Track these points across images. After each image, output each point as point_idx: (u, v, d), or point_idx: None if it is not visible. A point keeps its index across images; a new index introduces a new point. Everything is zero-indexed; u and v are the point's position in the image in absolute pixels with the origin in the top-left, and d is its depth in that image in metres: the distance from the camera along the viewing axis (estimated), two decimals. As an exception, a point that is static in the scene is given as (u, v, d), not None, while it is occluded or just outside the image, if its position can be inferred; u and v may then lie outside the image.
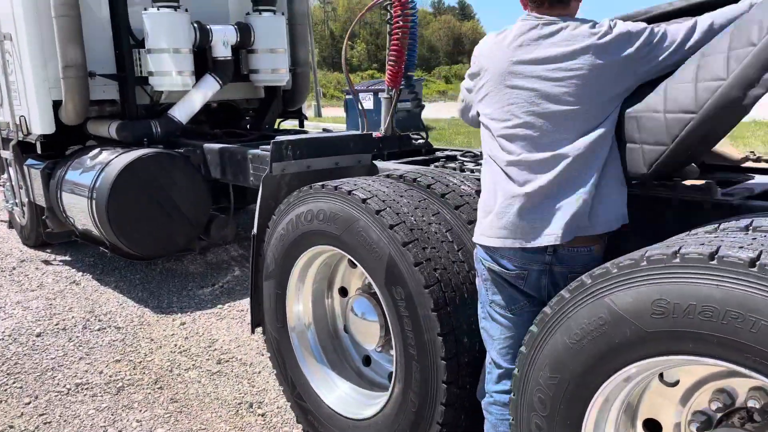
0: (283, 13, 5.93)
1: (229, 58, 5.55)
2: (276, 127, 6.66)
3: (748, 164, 2.94)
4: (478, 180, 2.84)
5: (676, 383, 1.87)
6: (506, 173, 1.98)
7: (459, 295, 2.32)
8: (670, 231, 2.41)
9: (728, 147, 2.85)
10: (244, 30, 5.60)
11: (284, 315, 2.97)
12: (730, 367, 1.56)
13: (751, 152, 2.84)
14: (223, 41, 5.47)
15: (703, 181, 2.30)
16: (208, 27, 5.35)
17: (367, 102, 18.78)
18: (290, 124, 7.23)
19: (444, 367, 2.24)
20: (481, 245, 2.08)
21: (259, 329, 3.24)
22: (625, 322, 1.67)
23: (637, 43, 1.90)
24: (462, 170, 3.09)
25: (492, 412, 2.18)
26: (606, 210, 1.94)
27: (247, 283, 5.23)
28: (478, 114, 2.15)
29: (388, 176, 2.86)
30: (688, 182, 2.36)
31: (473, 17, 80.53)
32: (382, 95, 4.20)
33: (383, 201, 2.46)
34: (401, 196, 2.54)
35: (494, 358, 2.15)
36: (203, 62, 5.51)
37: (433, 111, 21.95)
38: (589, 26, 1.93)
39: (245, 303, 4.78)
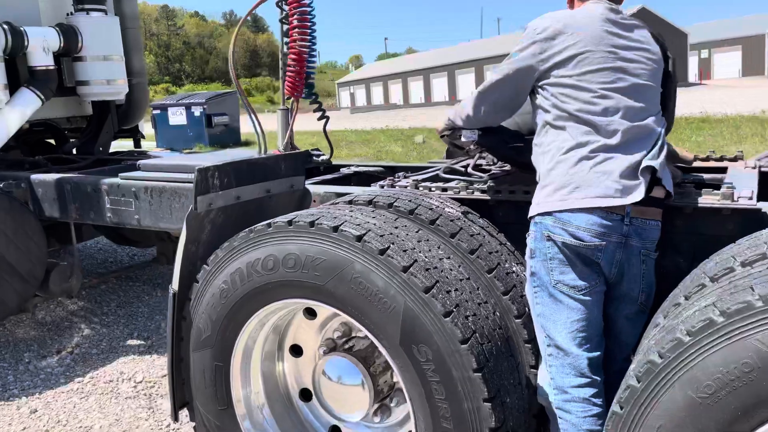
0: (115, 14, 4.97)
1: (51, 67, 4.50)
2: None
3: (697, 164, 2.91)
4: (457, 200, 2.44)
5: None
6: (599, 133, 1.94)
7: (494, 346, 1.88)
8: (687, 240, 2.20)
9: (679, 148, 2.79)
10: (69, 33, 4.57)
11: (228, 393, 2.28)
12: None
13: (712, 152, 2.79)
14: (43, 47, 4.41)
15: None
16: (21, 29, 4.27)
17: (179, 117, 17.47)
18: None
19: (494, 440, 1.79)
20: (555, 215, 1.92)
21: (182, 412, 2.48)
22: (784, 366, 1.37)
23: None
24: (417, 188, 2.64)
25: (570, 411, 1.94)
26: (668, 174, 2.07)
27: (105, 343, 4.25)
28: (537, 82, 2.06)
29: (351, 202, 2.32)
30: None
31: (267, 30, 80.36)
32: (279, 107, 3.60)
33: (381, 236, 1.93)
34: (396, 228, 2.03)
35: (561, 345, 1.95)
36: (15, 73, 4.41)
37: (243, 125, 21.03)
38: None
39: (114, 370, 3.83)
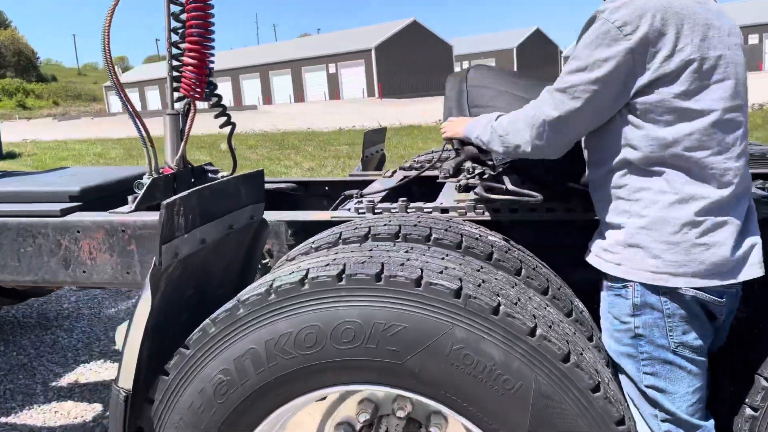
0: None
1: None
2: None
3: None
4: (480, 221, 1.97)
5: None
6: (708, 182, 1.48)
7: (632, 418, 1.45)
8: None
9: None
10: None
11: None
12: None
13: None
14: None
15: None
16: None
17: None
18: None
19: None
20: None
21: None
22: None
23: None
24: (406, 210, 2.12)
25: None
26: None
27: None
28: (628, 104, 1.49)
29: (367, 237, 1.72)
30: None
31: (9, 25, 70.95)
32: (167, 111, 2.75)
33: (478, 286, 1.39)
34: (477, 271, 1.50)
35: (685, 418, 1.55)
36: None
37: (5, 134, 17.92)
38: None
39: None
